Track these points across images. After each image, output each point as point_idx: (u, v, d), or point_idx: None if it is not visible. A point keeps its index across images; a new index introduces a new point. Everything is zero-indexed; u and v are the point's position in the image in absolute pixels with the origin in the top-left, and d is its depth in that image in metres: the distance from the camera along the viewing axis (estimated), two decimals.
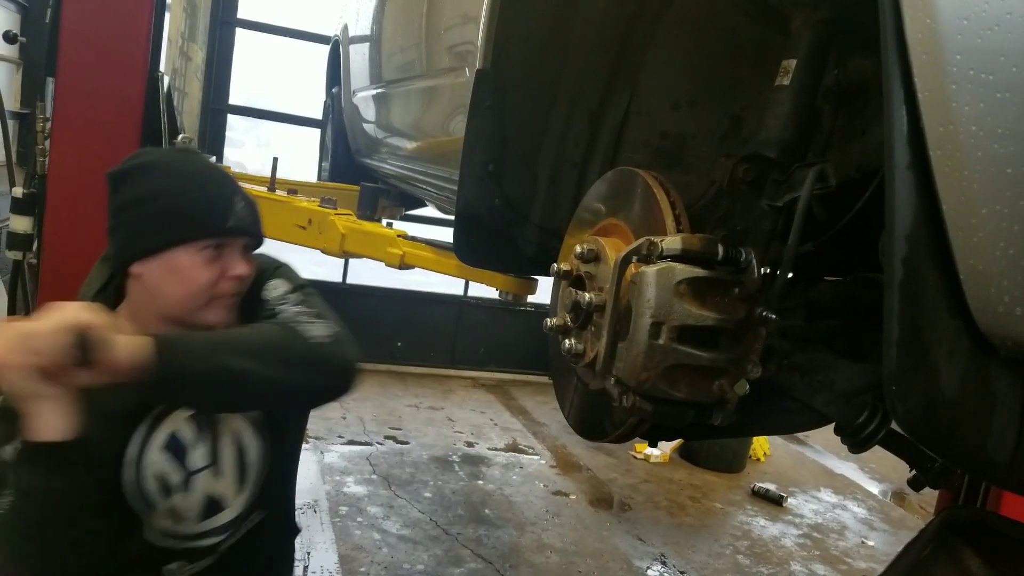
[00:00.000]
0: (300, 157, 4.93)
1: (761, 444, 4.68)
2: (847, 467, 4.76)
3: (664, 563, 3.24)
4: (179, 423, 1.09)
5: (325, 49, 4.02)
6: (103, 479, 1.00)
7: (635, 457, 4.40)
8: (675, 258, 0.94)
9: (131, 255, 1.05)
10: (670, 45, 1.44)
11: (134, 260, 1.05)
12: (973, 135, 0.54)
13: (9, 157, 2.42)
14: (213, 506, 1.12)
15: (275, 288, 1.13)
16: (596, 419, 1.16)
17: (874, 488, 4.50)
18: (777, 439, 5.02)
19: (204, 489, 1.11)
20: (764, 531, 3.72)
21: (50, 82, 2.20)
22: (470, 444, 4.33)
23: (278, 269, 1.17)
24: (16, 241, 2.08)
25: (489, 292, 5.25)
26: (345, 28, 3.40)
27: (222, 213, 1.05)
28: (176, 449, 1.09)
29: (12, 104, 3.63)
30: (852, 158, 1.24)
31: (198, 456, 1.11)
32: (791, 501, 4.10)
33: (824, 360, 1.14)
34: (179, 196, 1.04)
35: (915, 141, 0.56)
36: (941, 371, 0.57)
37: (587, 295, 1.06)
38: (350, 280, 5.59)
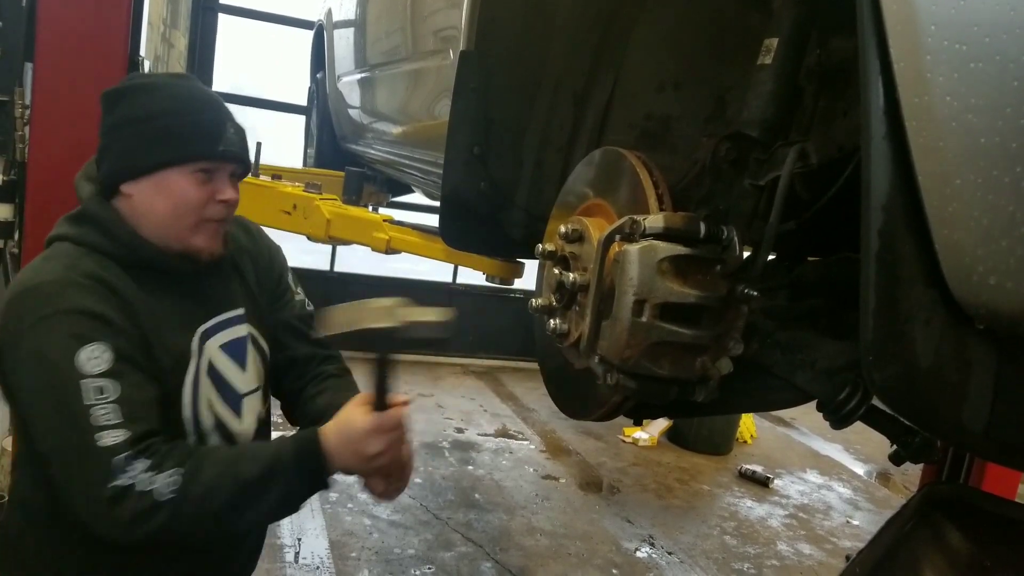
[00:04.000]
0: (285, 143, 4.89)
1: (748, 427, 4.73)
2: (833, 448, 4.81)
3: (652, 544, 3.27)
4: (215, 353, 1.11)
5: (309, 34, 3.98)
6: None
7: (624, 441, 4.43)
8: (657, 236, 0.94)
9: (123, 174, 1.05)
10: (654, 27, 1.43)
11: (125, 179, 1.05)
12: (948, 105, 0.54)
13: None
14: (263, 429, 1.18)
15: (299, 293, 1.29)
16: (581, 398, 1.17)
17: (859, 469, 4.56)
18: (764, 421, 5.07)
19: (253, 411, 1.16)
20: (751, 512, 3.76)
21: (28, 67, 2.17)
22: (460, 430, 4.34)
23: (284, 256, 1.27)
24: None
25: (478, 279, 5.24)
26: (329, 12, 3.36)
27: (215, 137, 1.06)
28: (218, 378, 1.11)
29: None
30: (834, 138, 1.24)
31: (246, 380, 1.15)
32: (777, 482, 4.15)
33: (806, 339, 1.15)
34: (173, 117, 1.05)
35: (891, 112, 0.57)
36: (917, 341, 0.58)
37: (571, 275, 1.07)
38: (338, 268, 5.57)
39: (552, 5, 1.43)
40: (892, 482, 4.37)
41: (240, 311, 1.16)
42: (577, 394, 1.19)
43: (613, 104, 1.53)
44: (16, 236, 2.06)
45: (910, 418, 0.66)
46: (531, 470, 3.94)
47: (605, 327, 0.96)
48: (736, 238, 0.95)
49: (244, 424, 1.14)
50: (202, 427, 1.09)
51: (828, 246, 1.30)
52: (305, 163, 3.80)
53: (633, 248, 0.92)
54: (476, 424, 4.50)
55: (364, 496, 3.28)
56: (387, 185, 3.10)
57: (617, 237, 0.98)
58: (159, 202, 1.05)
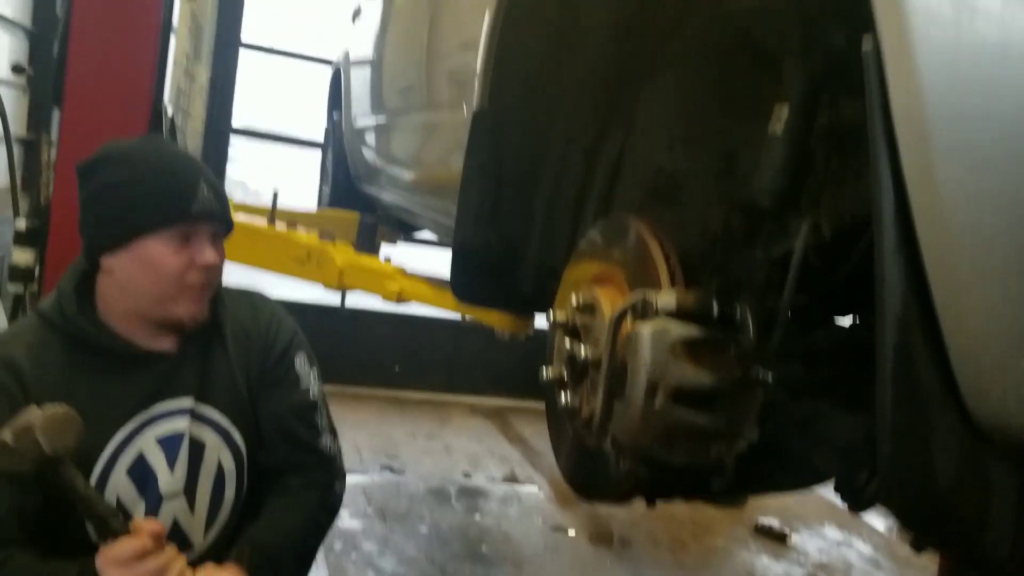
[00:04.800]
0: (301, 176, 4.96)
1: None
2: None
3: None
4: (149, 445, 1.04)
5: (325, 71, 4.04)
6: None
7: None
8: (670, 315, 0.93)
9: (100, 247, 1.04)
10: (664, 86, 1.44)
11: (103, 252, 1.04)
12: (961, 221, 0.53)
13: (13, 183, 2.43)
14: (178, 539, 1.06)
15: (305, 379, 1.19)
16: (594, 478, 1.14)
17: (879, 524, 4.44)
18: None
19: (172, 516, 1.07)
20: (768, 570, 3.66)
21: (56, 113, 2.21)
22: (467, 475, 4.29)
23: (296, 337, 1.19)
24: (17, 274, 2.08)
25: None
26: (346, 55, 3.42)
27: (186, 199, 1.03)
28: (142, 474, 1.04)
29: (18, 129, 3.65)
30: (846, 203, 1.23)
31: (170, 482, 1.06)
32: (795, 538, 4.04)
33: (821, 411, 1.12)
34: (142, 184, 1.03)
35: (903, 225, 0.56)
36: (936, 460, 0.56)
37: (583, 349, 1.05)
38: (349, 304, 5.58)
39: (563, 66, 1.44)
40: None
41: (188, 402, 1.07)
42: (589, 473, 1.17)
43: (623, 160, 1.54)
44: (36, 280, 2.08)
45: (932, 540, 0.63)
46: (540, 520, 3.87)
47: (618, 409, 0.94)
48: (750, 318, 0.93)
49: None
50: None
51: (842, 309, 1.28)
52: (320, 201, 3.84)
53: (645, 329, 0.90)
54: (484, 469, 4.45)
55: (368, 547, 3.24)
56: (399, 225, 3.12)
57: (629, 314, 0.96)
58: (138, 274, 1.03)
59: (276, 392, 1.16)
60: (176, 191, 1.03)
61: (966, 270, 0.53)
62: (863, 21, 0.97)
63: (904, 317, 0.56)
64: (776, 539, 3.96)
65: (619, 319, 0.97)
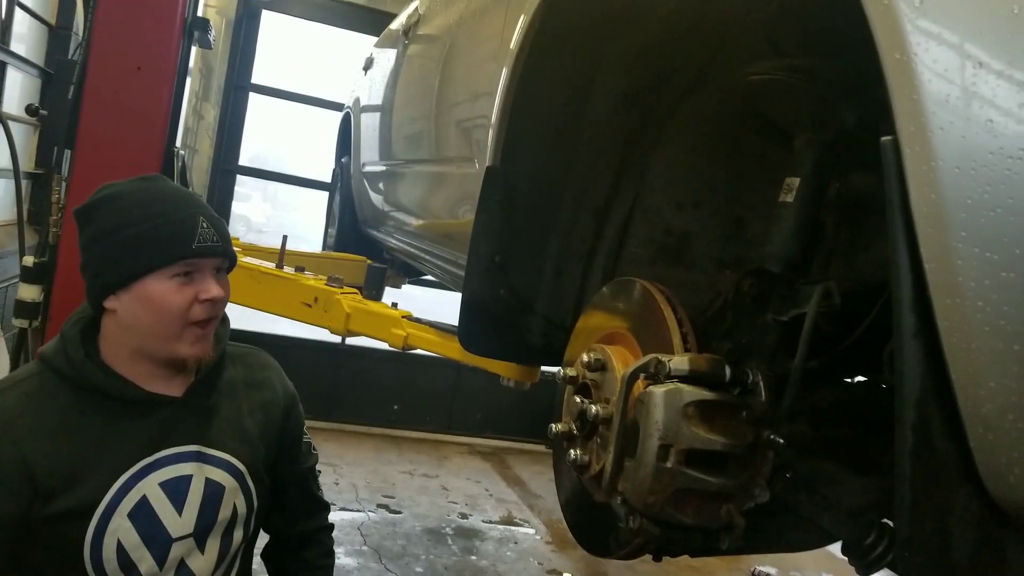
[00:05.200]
0: (304, 213, 5.00)
1: None
2: None
3: None
4: (152, 489, 1.04)
5: (333, 114, 4.11)
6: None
7: None
8: (683, 378, 0.94)
9: (103, 290, 1.04)
10: (676, 149, 1.48)
11: (107, 294, 1.04)
12: (980, 310, 0.56)
13: (20, 219, 2.46)
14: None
15: (305, 439, 1.26)
16: (601, 533, 1.15)
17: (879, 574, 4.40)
18: None
19: (180, 558, 1.07)
20: None
21: (68, 153, 2.24)
22: (464, 515, 4.25)
23: (295, 397, 1.23)
24: (23, 309, 2.09)
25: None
26: (357, 101, 3.49)
27: (187, 236, 1.03)
28: (146, 519, 1.04)
29: (27, 165, 3.69)
30: (855, 271, 1.26)
31: (179, 524, 1.06)
32: None
33: (829, 471, 1.13)
34: (141, 224, 1.02)
35: (922, 311, 0.58)
36: (954, 538, 0.57)
37: (594, 407, 1.07)
38: (349, 340, 5.57)
39: (576, 127, 1.48)
40: None
41: (193, 448, 1.09)
42: (597, 528, 1.17)
43: (633, 219, 1.57)
44: (40, 319, 2.10)
45: None
46: (536, 563, 3.82)
47: (628, 468, 0.95)
48: (762, 382, 0.95)
49: (165, 573, 1.07)
50: (106, 571, 1.02)
51: (849, 371, 1.30)
52: (325, 242, 3.87)
53: (659, 391, 0.92)
54: (481, 509, 4.41)
55: None
56: (404, 269, 3.15)
57: (641, 375, 0.98)
58: (142, 313, 1.02)
59: (297, 453, 1.24)
60: (175, 229, 1.03)
61: (984, 354, 0.55)
62: (874, 103, 1.01)
63: (922, 399, 0.58)
64: None
65: (631, 379, 0.99)
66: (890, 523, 1.03)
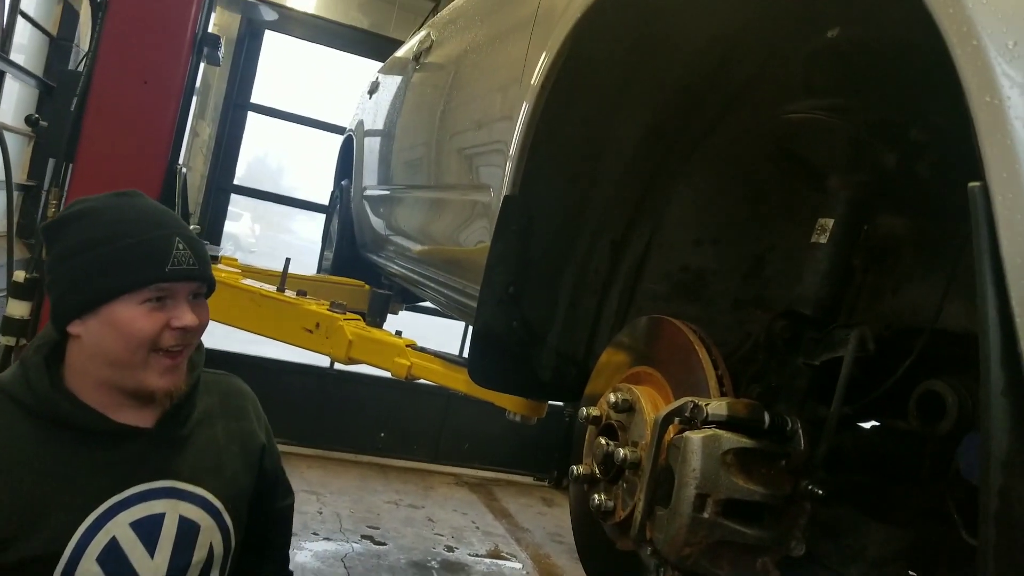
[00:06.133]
0: (295, 236, 4.96)
1: None
2: None
3: None
4: (121, 530, 0.95)
5: (330, 137, 4.08)
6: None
7: None
8: (720, 424, 0.91)
9: (68, 313, 0.95)
10: (696, 185, 1.47)
11: (72, 318, 0.95)
12: None
13: (11, 232, 2.40)
14: None
15: (283, 476, 1.21)
16: None
17: None
18: None
19: None
20: None
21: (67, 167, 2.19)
22: (450, 548, 4.15)
23: (270, 431, 1.17)
24: (12, 326, 2.02)
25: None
26: (360, 124, 3.47)
27: (161, 257, 0.95)
28: (115, 562, 0.95)
29: (20, 177, 3.63)
30: (883, 316, 1.24)
31: (151, 567, 0.98)
32: None
33: (851, 519, 1.10)
34: (113, 243, 0.94)
35: (1012, 366, 0.55)
36: None
37: (622, 450, 1.02)
38: (336, 365, 5.50)
39: (597, 159, 1.47)
40: None
41: (166, 484, 1.00)
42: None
43: (650, 253, 1.55)
44: (29, 337, 2.03)
45: None
46: None
47: (661, 518, 0.91)
48: (801, 430, 0.92)
49: None
50: None
51: (868, 416, 1.28)
52: (320, 265, 3.82)
53: (696, 437, 0.89)
54: (467, 543, 4.31)
55: None
56: (402, 295, 3.10)
57: (676, 420, 0.94)
58: (108, 339, 0.94)
59: (275, 490, 1.19)
60: (147, 250, 0.95)
61: None
62: (916, 146, 1.00)
63: (1010, 460, 0.54)
64: None
65: (665, 422, 0.95)
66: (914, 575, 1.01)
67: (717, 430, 0.90)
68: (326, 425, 5.21)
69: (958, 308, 1.06)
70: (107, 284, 0.93)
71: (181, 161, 2.37)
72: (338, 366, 5.46)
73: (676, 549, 0.88)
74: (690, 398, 0.94)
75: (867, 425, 1.26)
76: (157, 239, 0.96)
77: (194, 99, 4.42)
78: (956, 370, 0.99)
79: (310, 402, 5.12)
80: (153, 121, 2.11)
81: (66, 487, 0.93)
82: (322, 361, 5.43)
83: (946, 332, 1.05)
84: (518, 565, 4.09)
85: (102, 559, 0.94)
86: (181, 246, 0.97)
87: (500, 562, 4.09)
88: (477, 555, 4.12)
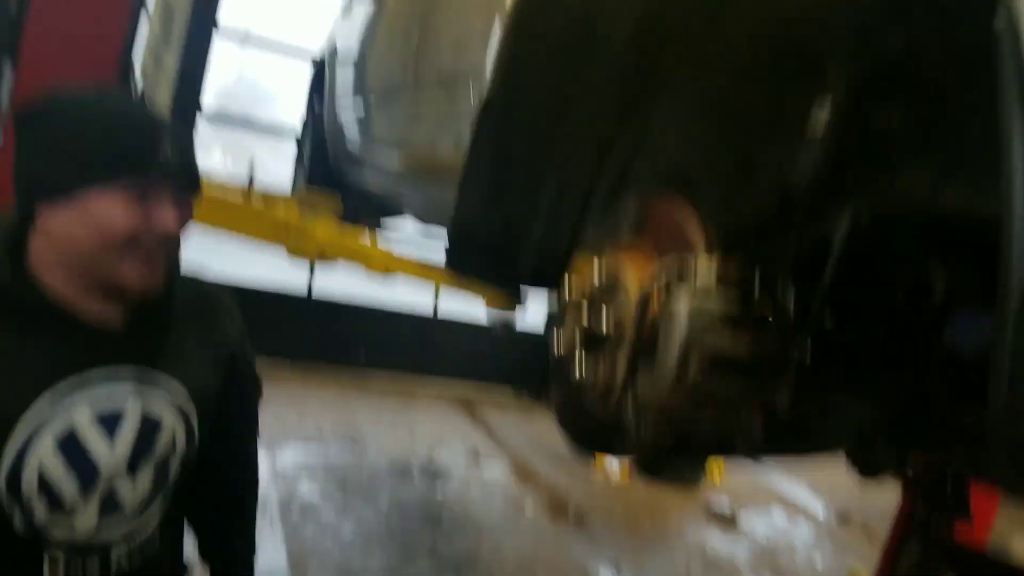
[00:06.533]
0: (269, 163, 4.86)
1: (717, 464, 4.79)
2: (797, 488, 4.90)
3: (619, 572, 3.27)
4: (83, 420, 0.91)
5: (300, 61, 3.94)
6: None
7: (595, 472, 4.44)
8: (707, 285, 0.92)
9: (38, 197, 0.88)
10: (687, 85, 1.44)
11: (40, 203, 0.87)
12: None
13: None
14: (114, 513, 0.95)
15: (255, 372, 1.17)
16: (607, 445, 1.15)
17: (821, 509, 4.65)
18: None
19: (108, 491, 0.94)
20: (718, 547, 3.80)
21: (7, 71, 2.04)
22: (430, 455, 4.30)
23: (246, 335, 1.13)
24: None
25: (459, 309, 5.21)
26: (333, 40, 3.37)
27: (146, 149, 0.88)
28: (73, 450, 0.90)
29: None
30: (879, 201, 1.24)
31: (111, 462, 0.93)
32: (744, 520, 4.20)
33: (834, 392, 1.13)
34: (96, 130, 0.87)
35: None
36: None
37: (605, 319, 1.04)
38: (317, 294, 5.46)
39: (583, 59, 1.42)
40: (852, 523, 4.46)
41: (131, 367, 0.94)
42: (601, 444, 1.17)
43: (638, 155, 1.53)
44: None
45: None
46: (500, 497, 3.92)
47: (645, 378, 0.95)
48: (791, 291, 0.93)
49: (86, 513, 0.93)
50: (24, 492, 0.89)
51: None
52: (295, 184, 3.78)
53: (684, 296, 0.90)
54: (447, 449, 4.46)
55: (327, 517, 3.21)
56: (379, 209, 3.10)
57: (664, 281, 0.96)
58: (80, 230, 0.86)
59: (246, 389, 1.14)
60: (133, 139, 0.88)
61: None
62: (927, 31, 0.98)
63: None
64: (726, 520, 4.12)
65: (651, 284, 0.96)
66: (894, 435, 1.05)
67: (704, 289, 0.91)
68: (307, 341, 5.25)
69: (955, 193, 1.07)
70: (85, 170, 0.87)
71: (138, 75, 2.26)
72: (317, 294, 5.43)
73: (659, 405, 0.92)
74: (679, 257, 0.95)
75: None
76: (143, 130, 0.90)
77: (152, 25, 4.18)
78: (948, 254, 1.01)
79: (290, 327, 5.13)
80: (103, 10, 1.93)
81: (22, 365, 0.88)
82: (299, 289, 5.39)
83: (940, 216, 1.04)
84: (496, 468, 4.27)
85: (62, 444, 0.90)
86: (169, 140, 0.91)
87: (479, 466, 4.26)
88: (456, 460, 4.28)
